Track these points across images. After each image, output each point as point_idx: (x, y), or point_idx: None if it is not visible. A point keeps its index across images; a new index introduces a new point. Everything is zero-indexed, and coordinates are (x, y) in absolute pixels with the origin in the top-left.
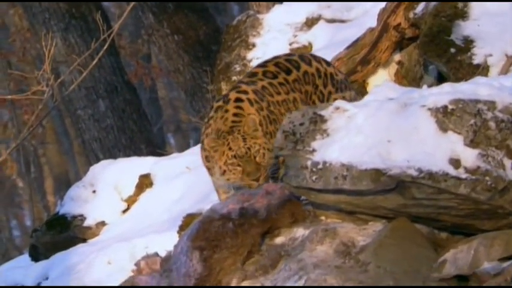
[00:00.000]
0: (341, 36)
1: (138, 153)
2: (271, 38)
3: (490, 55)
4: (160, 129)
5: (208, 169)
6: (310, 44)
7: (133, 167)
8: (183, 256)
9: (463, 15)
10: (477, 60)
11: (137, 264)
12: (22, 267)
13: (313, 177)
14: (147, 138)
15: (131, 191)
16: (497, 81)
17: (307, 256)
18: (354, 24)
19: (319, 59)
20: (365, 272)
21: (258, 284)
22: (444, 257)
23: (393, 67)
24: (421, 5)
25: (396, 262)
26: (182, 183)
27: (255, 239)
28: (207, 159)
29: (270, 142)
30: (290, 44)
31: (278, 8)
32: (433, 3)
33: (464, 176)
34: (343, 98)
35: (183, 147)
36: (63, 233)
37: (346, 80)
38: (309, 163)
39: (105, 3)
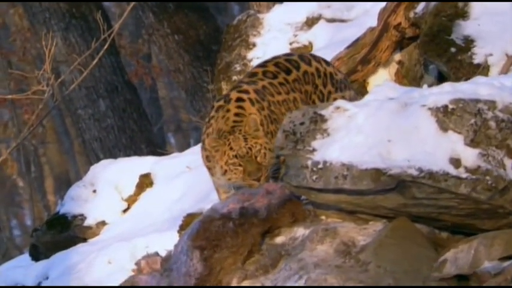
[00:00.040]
0: (341, 36)
1: (139, 152)
2: (272, 37)
3: (491, 55)
4: (160, 129)
5: (209, 169)
6: (310, 44)
7: (133, 166)
8: (183, 256)
9: (464, 14)
10: (477, 59)
11: (137, 263)
12: (22, 267)
13: (314, 177)
14: (148, 138)
15: (131, 191)
16: (497, 80)
17: (307, 256)
18: (354, 23)
19: (318, 59)
20: (365, 272)
21: (258, 284)
22: (444, 257)
23: (393, 67)
24: (422, 4)
25: (396, 262)
26: (182, 183)
27: (255, 238)
28: (207, 159)
29: (271, 142)
30: (290, 44)
31: (278, 8)
32: (433, 3)
33: (464, 175)
34: (343, 98)
35: (183, 146)
36: (63, 232)
37: (345, 79)
38: (309, 163)
39: (105, 3)
